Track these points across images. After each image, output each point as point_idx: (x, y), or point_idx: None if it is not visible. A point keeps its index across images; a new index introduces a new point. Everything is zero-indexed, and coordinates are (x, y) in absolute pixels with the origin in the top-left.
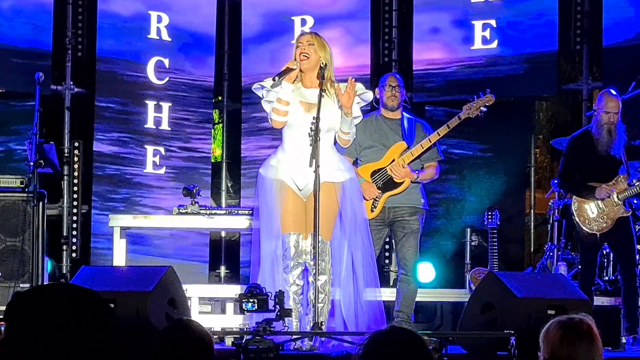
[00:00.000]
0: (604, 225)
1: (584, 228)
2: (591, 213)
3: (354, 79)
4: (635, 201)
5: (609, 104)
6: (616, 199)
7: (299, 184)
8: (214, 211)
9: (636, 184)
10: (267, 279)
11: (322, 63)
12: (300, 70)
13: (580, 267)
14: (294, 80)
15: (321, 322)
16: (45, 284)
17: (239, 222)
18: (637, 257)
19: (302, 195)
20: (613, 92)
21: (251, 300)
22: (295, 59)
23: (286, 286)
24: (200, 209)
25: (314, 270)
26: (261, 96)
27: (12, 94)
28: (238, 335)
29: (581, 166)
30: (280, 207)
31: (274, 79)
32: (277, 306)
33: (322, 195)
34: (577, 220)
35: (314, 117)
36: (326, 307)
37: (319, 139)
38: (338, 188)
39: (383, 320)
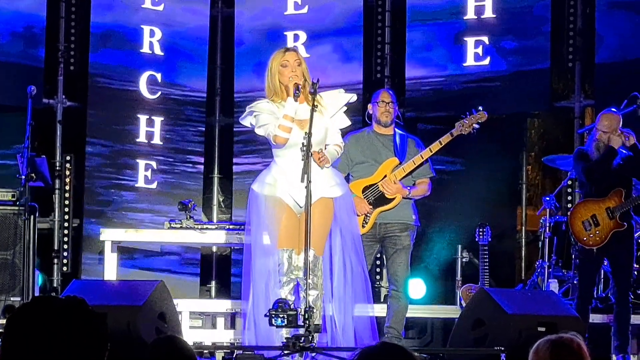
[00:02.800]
0: (598, 239)
1: (581, 244)
2: (585, 228)
3: (319, 153)
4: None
5: (602, 122)
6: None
7: (299, 201)
8: (205, 226)
9: (633, 199)
10: (259, 295)
11: (316, 79)
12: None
13: (578, 284)
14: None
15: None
16: (37, 296)
17: (230, 237)
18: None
19: (298, 212)
20: (613, 110)
21: (281, 315)
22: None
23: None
24: (192, 224)
25: (305, 285)
26: (250, 125)
27: (4, 107)
28: (229, 350)
29: (578, 181)
30: (276, 223)
31: (295, 100)
32: (307, 322)
33: (318, 211)
34: (573, 236)
35: (305, 132)
36: (317, 322)
37: (312, 154)
38: (333, 203)
39: (375, 336)
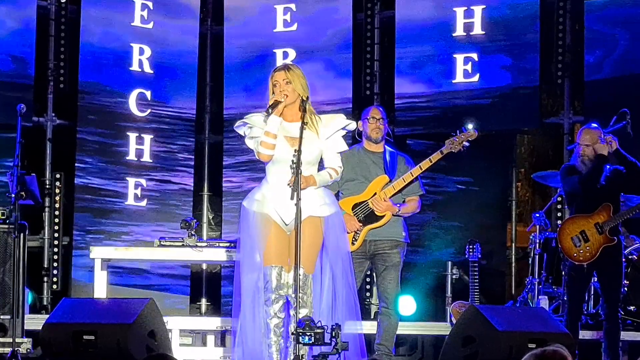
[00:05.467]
0: (588, 254)
1: (571, 260)
2: (574, 244)
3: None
4: None
5: (583, 136)
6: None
7: (285, 219)
8: (196, 243)
9: (621, 213)
10: (247, 312)
11: (305, 96)
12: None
13: (567, 300)
14: (281, 114)
15: (302, 355)
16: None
17: (220, 254)
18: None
19: (286, 229)
20: (594, 125)
21: (308, 333)
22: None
23: (267, 319)
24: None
25: (295, 303)
26: (243, 134)
27: None
28: None
29: (567, 196)
30: (264, 240)
31: (265, 113)
32: (334, 339)
33: (307, 229)
34: (563, 253)
35: (295, 150)
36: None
37: (301, 172)
38: (322, 222)
39: (363, 353)
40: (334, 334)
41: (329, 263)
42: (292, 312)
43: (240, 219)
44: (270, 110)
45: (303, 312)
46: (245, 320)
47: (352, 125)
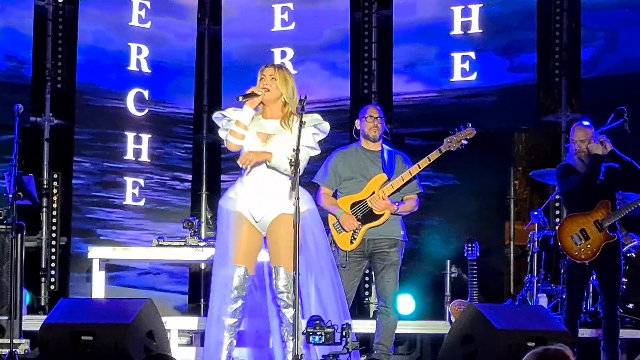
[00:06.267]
0: (590, 252)
1: (572, 258)
2: (575, 243)
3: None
4: None
5: (576, 133)
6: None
7: (255, 216)
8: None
9: (620, 210)
10: (215, 310)
11: (303, 96)
12: (261, 102)
13: (566, 298)
14: (255, 108)
15: (301, 355)
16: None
17: None
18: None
19: (259, 228)
20: (585, 122)
21: (318, 333)
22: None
23: (222, 316)
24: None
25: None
26: (220, 126)
27: None
28: None
29: (565, 196)
30: (234, 238)
31: (237, 99)
32: (345, 339)
33: (281, 227)
34: (564, 252)
35: (293, 149)
36: (301, 339)
37: (299, 171)
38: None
39: (355, 353)
40: (344, 333)
41: (310, 261)
42: (282, 313)
43: (217, 217)
44: (242, 97)
45: (290, 312)
46: (212, 319)
47: (325, 125)
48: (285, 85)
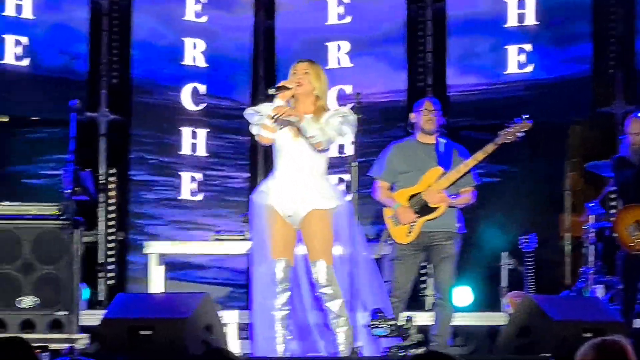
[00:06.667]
0: None
1: (628, 249)
2: (630, 234)
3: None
4: None
5: (632, 125)
6: None
7: (286, 211)
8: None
9: None
10: (257, 305)
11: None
12: (293, 96)
13: (622, 289)
14: (287, 102)
15: (358, 347)
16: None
17: None
18: None
19: (292, 222)
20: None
21: (381, 326)
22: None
23: (272, 311)
24: (235, 236)
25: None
26: (252, 122)
27: (48, 121)
28: None
29: (620, 187)
30: (269, 232)
31: (268, 91)
32: (408, 331)
33: (314, 222)
34: (620, 243)
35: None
36: (349, 330)
37: (356, 164)
38: (329, 215)
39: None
40: (407, 326)
41: (347, 255)
42: (327, 306)
43: (250, 212)
44: (275, 90)
45: (337, 304)
46: (256, 313)
47: (352, 118)
48: (319, 79)
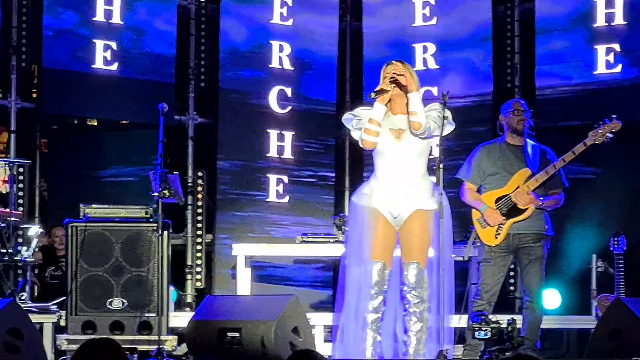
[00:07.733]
0: None
1: None
2: None
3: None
4: None
5: None
6: None
7: (393, 212)
8: (335, 239)
9: None
10: (350, 307)
11: (445, 91)
12: (390, 99)
13: None
14: (385, 104)
15: (446, 350)
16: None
17: None
18: None
19: (395, 223)
20: None
21: (484, 329)
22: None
23: (365, 313)
24: (322, 238)
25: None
26: (351, 127)
27: (137, 124)
28: None
29: None
30: (371, 234)
31: (369, 95)
32: (510, 334)
33: (416, 223)
34: None
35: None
36: (424, 335)
37: (442, 167)
38: (430, 216)
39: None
40: (510, 329)
41: (437, 256)
42: (413, 309)
43: (349, 213)
44: (374, 94)
45: (421, 308)
46: (349, 315)
47: (447, 112)
48: (413, 79)
